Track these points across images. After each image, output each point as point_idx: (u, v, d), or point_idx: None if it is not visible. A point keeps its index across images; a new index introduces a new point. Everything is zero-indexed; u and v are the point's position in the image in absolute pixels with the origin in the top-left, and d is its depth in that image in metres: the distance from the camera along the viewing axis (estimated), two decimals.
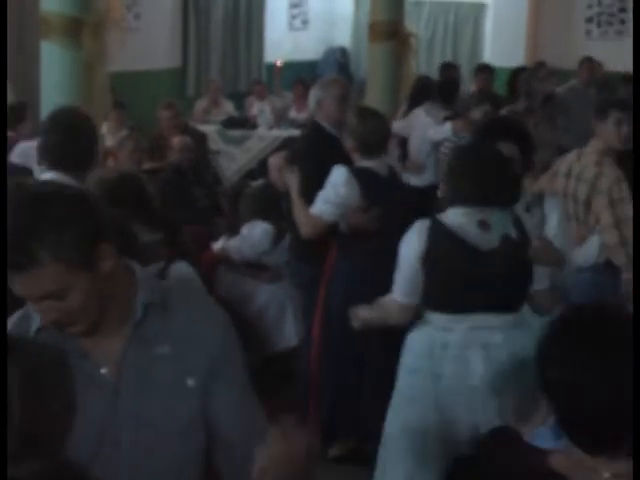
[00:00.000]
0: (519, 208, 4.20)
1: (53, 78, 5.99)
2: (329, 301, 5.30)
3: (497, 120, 5.39)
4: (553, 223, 4.35)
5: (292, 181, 5.33)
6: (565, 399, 1.95)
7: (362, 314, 4.27)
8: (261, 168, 9.00)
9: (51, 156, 3.78)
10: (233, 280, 5.96)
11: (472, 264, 3.85)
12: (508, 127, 4.52)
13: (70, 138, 3.76)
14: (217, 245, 6.12)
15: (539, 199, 4.42)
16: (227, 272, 5.99)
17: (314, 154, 5.47)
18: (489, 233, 3.88)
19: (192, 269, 4.01)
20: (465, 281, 3.88)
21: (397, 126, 8.15)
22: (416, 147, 8.34)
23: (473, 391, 3.87)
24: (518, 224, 3.94)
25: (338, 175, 5.07)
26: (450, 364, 3.91)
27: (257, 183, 7.02)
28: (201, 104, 11.42)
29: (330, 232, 5.22)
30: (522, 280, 3.97)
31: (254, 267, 6.02)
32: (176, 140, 7.28)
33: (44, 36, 6.01)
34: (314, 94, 5.73)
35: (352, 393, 5.26)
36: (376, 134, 5.15)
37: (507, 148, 4.25)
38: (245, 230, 6.02)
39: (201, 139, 8.15)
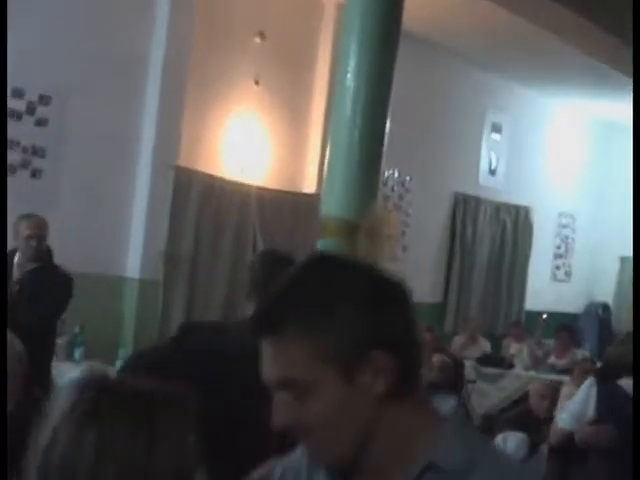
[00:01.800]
0: None
1: None
2: None
3: None
4: None
5: None
6: None
7: None
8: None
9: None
10: None
11: None
12: None
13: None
14: None
15: None
16: None
17: None
18: None
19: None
20: None
21: None
22: None
23: None
24: None
25: (583, 384, 5.06)
26: None
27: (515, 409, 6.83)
28: (459, 339, 11.36)
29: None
30: None
31: None
32: (436, 358, 7.19)
33: (322, 236, 6.16)
34: None
35: None
36: (626, 358, 4.91)
37: None
38: (499, 440, 5.78)
39: (459, 364, 8.02)
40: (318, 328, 1.56)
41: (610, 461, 4.82)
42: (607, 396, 4.88)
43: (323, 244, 6.18)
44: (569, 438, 5.00)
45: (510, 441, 5.83)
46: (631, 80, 10.31)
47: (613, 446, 4.75)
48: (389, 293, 1.62)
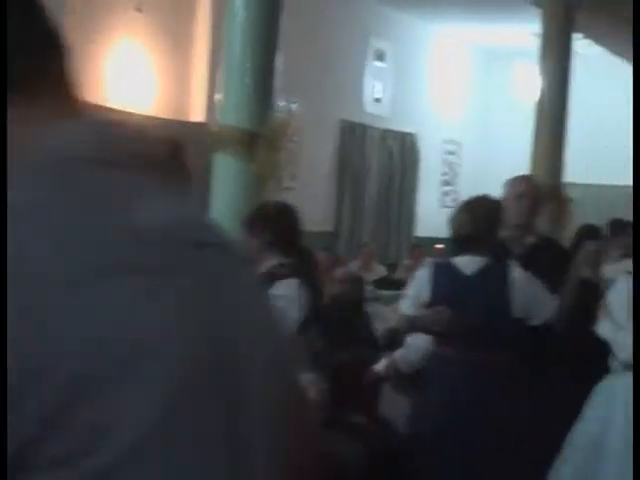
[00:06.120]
0: None
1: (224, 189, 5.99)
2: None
3: None
4: None
5: None
6: None
7: None
8: None
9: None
10: (396, 399, 5.69)
11: None
12: None
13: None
14: (379, 365, 5.88)
15: None
16: (392, 391, 5.72)
17: None
18: None
19: (296, 292, 4.40)
20: None
21: None
22: None
23: None
24: None
25: (419, 268, 5.03)
26: None
27: None
28: (354, 265, 11.33)
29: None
30: None
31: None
32: (339, 271, 7.17)
33: (217, 148, 6.05)
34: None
35: None
36: (464, 228, 4.70)
37: None
38: (409, 339, 5.78)
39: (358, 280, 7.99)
40: None
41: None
42: (439, 279, 4.71)
43: (219, 159, 6.06)
44: (412, 323, 4.90)
45: (419, 337, 5.78)
46: (512, 5, 10.44)
47: (451, 328, 4.57)
48: None
